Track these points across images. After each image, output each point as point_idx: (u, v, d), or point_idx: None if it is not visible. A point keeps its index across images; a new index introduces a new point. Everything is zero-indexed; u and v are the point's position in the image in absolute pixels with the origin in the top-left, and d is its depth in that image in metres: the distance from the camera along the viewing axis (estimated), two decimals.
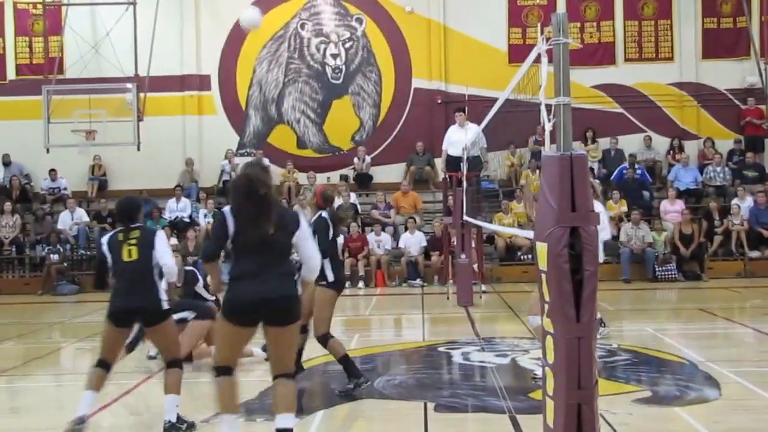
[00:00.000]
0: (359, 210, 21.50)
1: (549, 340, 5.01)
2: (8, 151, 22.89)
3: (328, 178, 23.22)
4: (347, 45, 24.06)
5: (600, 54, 23.88)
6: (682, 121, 23.70)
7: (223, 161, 22.97)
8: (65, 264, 21.01)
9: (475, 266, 17.02)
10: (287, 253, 6.47)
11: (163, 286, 7.50)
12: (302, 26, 23.99)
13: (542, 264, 5.04)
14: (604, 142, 23.43)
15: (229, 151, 23.12)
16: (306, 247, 6.49)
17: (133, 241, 7.34)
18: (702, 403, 8.25)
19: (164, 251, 7.37)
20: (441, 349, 11.50)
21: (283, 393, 6.30)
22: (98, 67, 22.14)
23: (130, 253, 7.31)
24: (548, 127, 5.55)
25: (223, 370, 6.35)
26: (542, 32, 5.56)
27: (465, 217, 15.49)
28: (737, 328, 13.24)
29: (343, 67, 24.02)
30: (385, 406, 8.52)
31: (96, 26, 23.06)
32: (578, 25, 23.88)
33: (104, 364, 7.40)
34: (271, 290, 6.14)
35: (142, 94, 21.07)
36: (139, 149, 21.00)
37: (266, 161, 7.53)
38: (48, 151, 20.43)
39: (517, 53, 22.67)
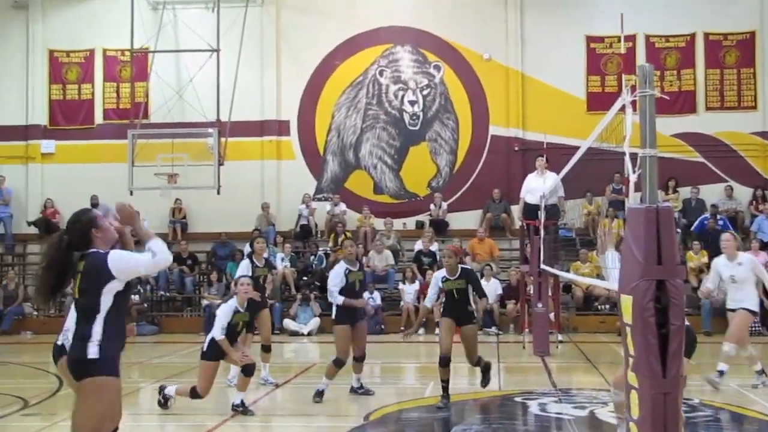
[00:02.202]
0: (437, 257, 21.46)
1: (633, 394, 4.93)
2: (96, 192, 23.43)
3: (404, 224, 23.27)
4: (425, 92, 24.19)
5: (681, 102, 23.65)
6: (765, 171, 23.30)
7: (301, 205, 23.18)
8: (145, 305, 21.34)
9: (552, 315, 16.88)
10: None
11: None
12: (381, 73, 24.20)
13: (627, 317, 4.98)
14: (685, 192, 23.12)
15: (306, 196, 23.32)
16: None
17: None
18: None
19: None
20: (517, 399, 11.39)
21: None
22: (181, 112, 22.69)
23: None
24: (633, 178, 5.52)
25: None
26: (625, 82, 5.55)
27: (542, 266, 15.37)
28: None
29: (421, 114, 24.13)
30: None
31: (180, 72, 23.64)
32: (658, 73, 23.67)
33: None
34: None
35: (223, 139, 21.47)
36: (219, 193, 21.37)
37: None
38: (132, 193, 20.80)
39: (596, 101, 22.61)
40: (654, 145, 5.18)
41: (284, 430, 10.30)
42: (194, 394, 9.97)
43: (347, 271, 11.19)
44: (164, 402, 10.40)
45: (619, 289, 5.16)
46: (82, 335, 5.80)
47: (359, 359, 11.34)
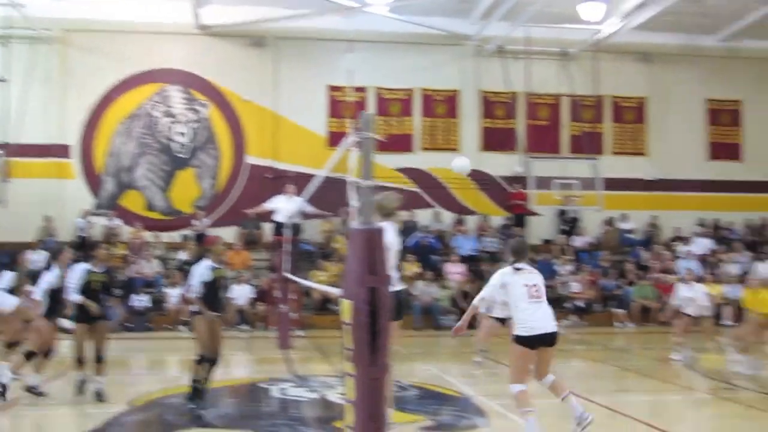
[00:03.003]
0: None
1: (350, 380, 5.04)
2: None
3: (171, 236, 22.66)
4: (193, 125, 23.71)
5: (402, 143, 24.43)
6: (464, 200, 24.46)
7: (80, 219, 22.07)
8: None
9: (294, 315, 16.96)
10: None
11: None
12: (154, 107, 23.51)
13: (346, 317, 5.09)
14: (404, 215, 23.84)
15: (84, 211, 22.23)
16: None
17: None
18: (472, 429, 8.46)
19: None
20: (262, 385, 11.35)
21: None
22: None
23: None
24: (355, 204, 5.65)
25: None
26: (352, 126, 5.70)
27: (286, 274, 15.44)
28: (502, 367, 13.63)
29: (189, 144, 23.62)
30: None
31: None
32: (384, 118, 24.42)
33: None
34: None
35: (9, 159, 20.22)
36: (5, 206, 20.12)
37: None
38: None
39: (335, 139, 22.91)
40: (371, 178, 5.32)
41: (58, 419, 9.69)
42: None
43: (88, 272, 10.26)
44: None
45: (341, 294, 5.26)
46: None
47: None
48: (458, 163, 9.33)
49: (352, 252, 5.08)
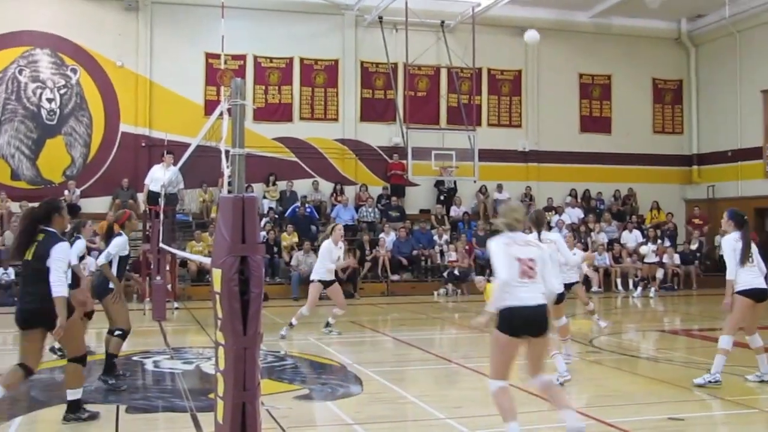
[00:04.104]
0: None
1: (221, 350, 4.99)
2: None
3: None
4: (62, 91, 22.81)
5: (280, 112, 24.26)
6: (343, 170, 24.54)
7: None
8: None
9: (169, 286, 16.66)
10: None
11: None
12: (20, 72, 22.48)
13: (217, 286, 5.02)
14: (282, 185, 23.77)
15: None
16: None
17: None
18: (348, 397, 8.53)
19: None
20: (135, 358, 11.11)
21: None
22: None
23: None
24: (227, 172, 5.56)
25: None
26: (224, 93, 5.60)
27: (161, 245, 15.13)
28: (380, 336, 13.84)
29: (58, 111, 22.73)
30: None
31: None
32: (263, 87, 24.16)
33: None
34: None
35: None
36: None
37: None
38: None
39: (212, 107, 22.44)
40: (242, 146, 5.24)
41: None
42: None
43: None
44: None
45: (211, 264, 5.18)
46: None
47: None
48: (530, 35, 9.78)
49: (222, 221, 5.00)
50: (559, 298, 9.16)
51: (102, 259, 9.50)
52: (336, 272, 13.64)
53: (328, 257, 13.13)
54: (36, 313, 6.86)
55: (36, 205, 7.38)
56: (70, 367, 7.30)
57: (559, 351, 9.20)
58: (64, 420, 7.29)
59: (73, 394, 7.30)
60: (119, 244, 9.49)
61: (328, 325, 13.60)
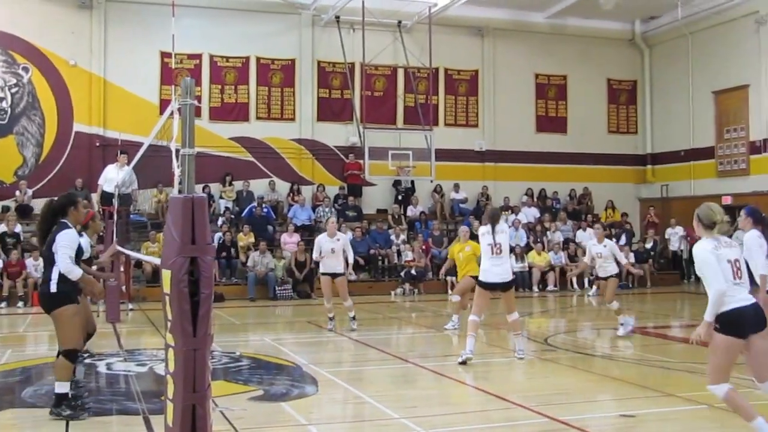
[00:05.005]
0: (21, 238, 20.02)
1: (171, 352, 4.93)
2: None
3: None
4: (13, 90, 22.42)
5: (236, 112, 24.11)
6: (299, 170, 24.46)
7: None
8: None
9: (124, 288, 16.47)
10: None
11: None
12: None
13: (166, 288, 4.96)
14: (239, 185, 23.63)
15: None
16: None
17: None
18: (303, 398, 8.49)
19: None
20: (87, 361, 10.94)
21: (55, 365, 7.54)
22: None
23: None
24: (177, 172, 5.50)
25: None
26: (174, 92, 5.55)
27: (117, 247, 14.92)
28: (336, 336, 13.79)
29: (9, 110, 22.34)
30: (33, 413, 7.92)
31: None
32: (219, 86, 23.99)
33: None
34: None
35: None
36: None
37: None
38: None
39: (167, 107, 22.25)
40: (192, 145, 5.18)
41: None
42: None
43: None
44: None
45: (161, 265, 5.13)
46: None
47: None
48: None
49: (172, 221, 4.94)
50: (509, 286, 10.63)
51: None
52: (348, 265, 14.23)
53: (317, 250, 13.83)
54: (51, 297, 7.37)
55: (54, 198, 7.95)
56: (59, 360, 7.50)
57: None
58: (49, 413, 7.44)
59: (59, 387, 7.44)
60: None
61: (353, 319, 14.15)
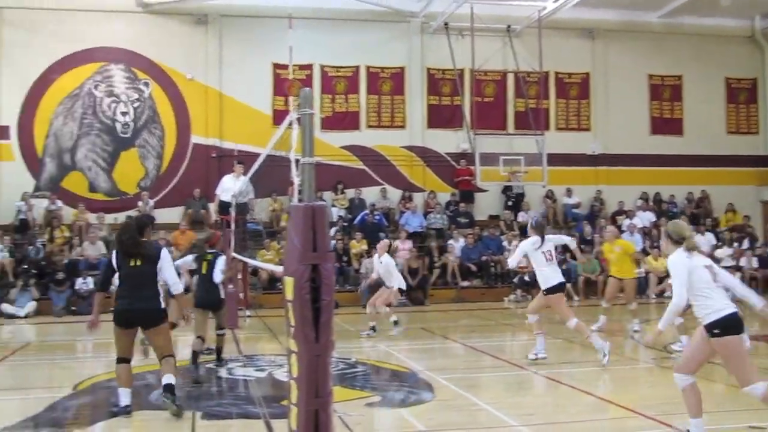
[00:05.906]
0: None
1: (293, 357, 5.02)
2: None
3: (115, 218, 22.26)
4: (135, 105, 23.34)
5: (347, 120, 24.39)
6: (411, 177, 24.53)
7: (19, 202, 21.65)
8: None
9: (242, 295, 16.86)
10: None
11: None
12: (96, 87, 23.08)
13: (289, 294, 5.06)
14: (351, 193, 23.88)
15: (25, 193, 21.81)
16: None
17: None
18: (420, 404, 8.51)
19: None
20: (209, 365, 11.27)
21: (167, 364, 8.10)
22: None
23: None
24: (297, 181, 5.60)
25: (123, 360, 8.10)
26: (293, 103, 5.65)
27: (233, 254, 15.31)
28: (450, 343, 13.78)
29: (131, 124, 23.26)
30: (160, 416, 8.20)
31: None
32: (330, 96, 24.33)
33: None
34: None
35: None
36: None
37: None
38: None
39: (280, 117, 22.72)
40: (312, 154, 5.27)
41: (6, 403, 9.43)
42: None
43: None
44: None
45: (283, 272, 5.23)
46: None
47: None
48: None
49: (293, 229, 5.04)
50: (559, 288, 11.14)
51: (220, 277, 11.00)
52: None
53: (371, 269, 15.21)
54: (141, 313, 8.01)
55: (131, 218, 9.01)
56: (171, 360, 8.27)
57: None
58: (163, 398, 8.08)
59: (167, 379, 8.10)
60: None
61: (396, 323, 14.36)
